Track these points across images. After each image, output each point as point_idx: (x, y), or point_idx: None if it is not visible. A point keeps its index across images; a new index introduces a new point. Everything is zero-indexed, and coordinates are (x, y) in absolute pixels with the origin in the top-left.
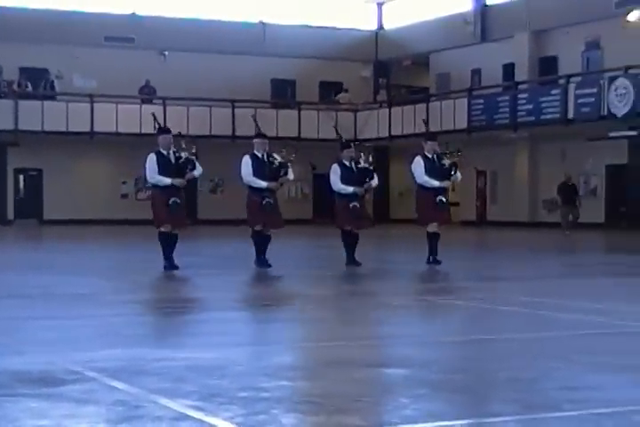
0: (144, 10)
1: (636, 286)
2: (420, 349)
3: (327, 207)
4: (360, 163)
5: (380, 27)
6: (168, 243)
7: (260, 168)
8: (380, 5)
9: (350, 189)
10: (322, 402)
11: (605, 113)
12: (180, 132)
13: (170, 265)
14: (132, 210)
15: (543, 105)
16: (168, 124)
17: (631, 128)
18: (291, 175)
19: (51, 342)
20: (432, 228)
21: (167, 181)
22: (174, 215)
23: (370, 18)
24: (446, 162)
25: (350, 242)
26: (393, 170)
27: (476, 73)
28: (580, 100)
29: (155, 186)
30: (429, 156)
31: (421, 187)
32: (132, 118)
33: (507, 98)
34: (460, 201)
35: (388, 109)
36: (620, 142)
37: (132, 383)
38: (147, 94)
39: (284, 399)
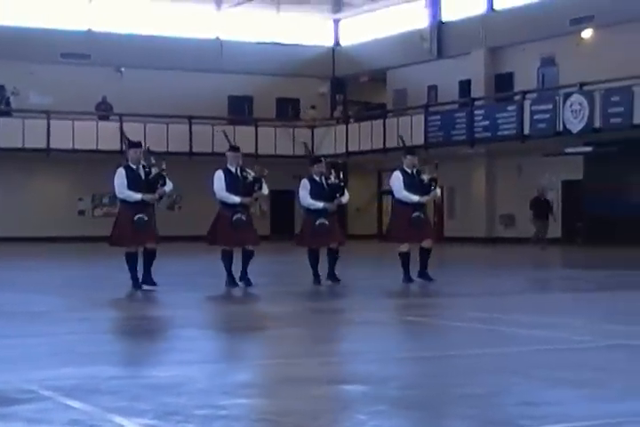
0: (100, 26)
1: (592, 301)
2: (379, 365)
3: (286, 224)
4: (330, 178)
5: (337, 43)
6: (135, 263)
7: (233, 183)
8: (336, 22)
9: (320, 204)
10: (279, 420)
11: (561, 129)
12: (149, 148)
13: (135, 284)
14: (89, 227)
15: (499, 121)
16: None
17: (586, 144)
18: (265, 190)
19: (5, 361)
20: (404, 247)
21: (137, 196)
22: (139, 232)
23: (327, 34)
24: (425, 177)
25: (316, 261)
26: (350, 186)
27: (433, 89)
28: (535, 117)
29: (123, 201)
30: (409, 170)
31: (399, 202)
32: (88, 135)
33: (463, 114)
34: None
35: (345, 126)
36: (575, 158)
37: (87, 402)
38: (103, 111)
39: (241, 417)
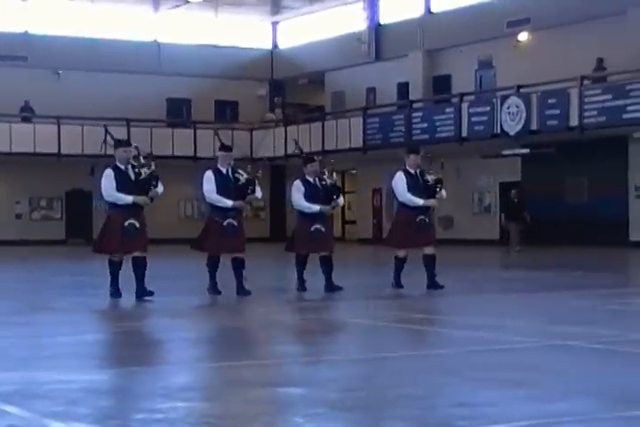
0: (37, 29)
1: (531, 302)
2: (317, 367)
3: None
4: (324, 179)
5: (276, 46)
6: (117, 270)
7: (224, 185)
8: (274, 24)
9: (317, 207)
10: (217, 423)
11: (498, 131)
12: (136, 147)
13: (114, 292)
14: (27, 230)
15: (437, 123)
16: (63, 144)
17: (523, 146)
18: (258, 193)
19: None
20: (401, 253)
21: (128, 199)
22: (128, 240)
23: (265, 37)
24: (430, 178)
25: (304, 266)
26: (289, 188)
27: (371, 91)
28: (473, 119)
29: (112, 205)
30: (412, 171)
31: (403, 205)
32: (25, 138)
33: (401, 116)
34: (357, 219)
35: (283, 128)
36: (513, 160)
37: (24, 407)
38: (26, 114)
39: (179, 421)
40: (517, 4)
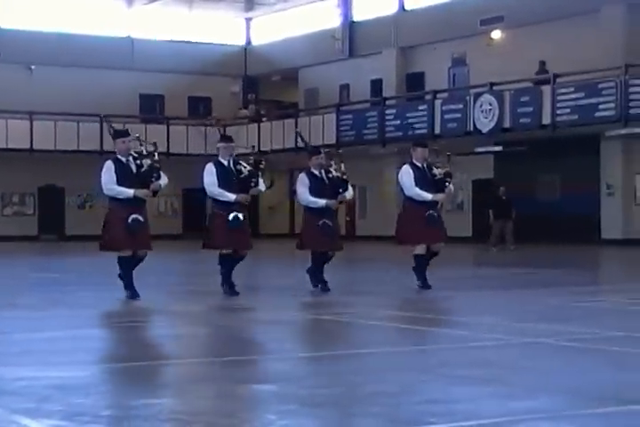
0: (10, 23)
1: (504, 300)
2: (289, 364)
3: (197, 222)
4: (331, 172)
5: (249, 42)
6: (129, 269)
7: (226, 178)
8: (248, 21)
9: (322, 201)
10: (189, 419)
11: (471, 129)
12: (138, 136)
13: (132, 294)
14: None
15: (411, 120)
16: (35, 139)
17: (496, 144)
18: (262, 186)
19: None
20: (420, 249)
21: (129, 192)
22: (134, 236)
23: (239, 33)
24: (438, 171)
25: (320, 263)
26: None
27: (345, 88)
28: (446, 116)
29: (113, 199)
30: (419, 164)
31: (411, 200)
32: None
33: (375, 113)
34: None
35: (257, 124)
36: (486, 157)
37: None
38: None
39: (150, 417)
40: (491, 1)
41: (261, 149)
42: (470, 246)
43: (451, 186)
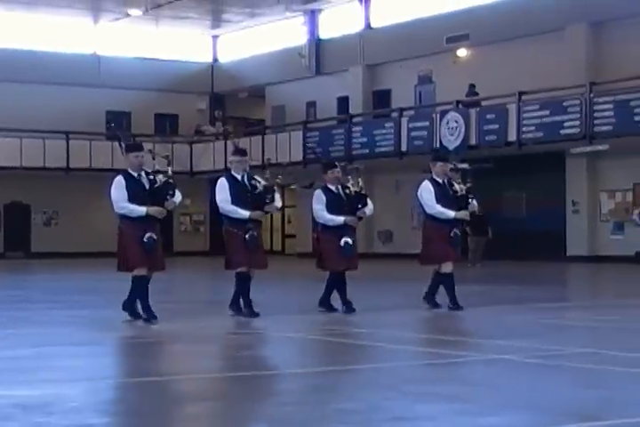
0: None
1: (468, 317)
2: (255, 382)
3: (163, 239)
4: (348, 187)
5: (216, 59)
6: (145, 288)
7: (240, 194)
8: (215, 38)
9: (341, 219)
10: None
11: (438, 146)
12: (150, 150)
13: (149, 315)
14: None
15: (377, 138)
16: (0, 156)
17: (462, 161)
18: (278, 202)
19: None
20: (447, 267)
21: (141, 210)
22: (150, 255)
23: (205, 50)
24: (459, 187)
25: (340, 285)
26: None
27: (311, 106)
28: (413, 134)
29: (125, 217)
30: (440, 180)
31: (433, 218)
32: None
33: (341, 131)
34: (297, 233)
35: (223, 142)
36: (451, 175)
37: None
38: None
39: None
40: (457, 19)
41: (228, 166)
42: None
43: (474, 202)
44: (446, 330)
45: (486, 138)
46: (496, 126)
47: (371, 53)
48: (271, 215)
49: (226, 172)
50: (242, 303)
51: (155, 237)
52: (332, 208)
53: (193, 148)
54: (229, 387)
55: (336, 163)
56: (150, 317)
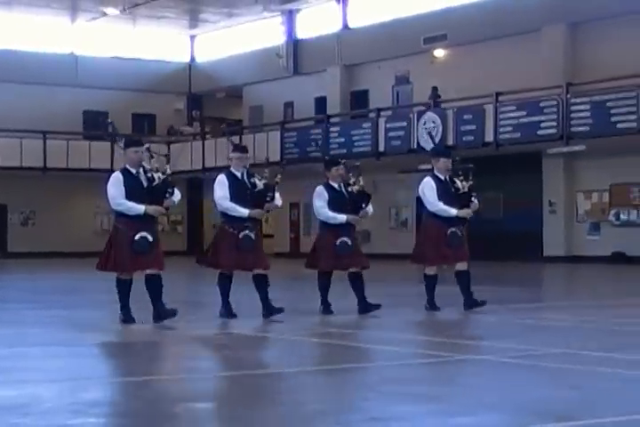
0: None
1: (444, 317)
2: (232, 382)
3: None
4: (351, 184)
5: (193, 59)
6: (126, 292)
7: (239, 191)
8: (192, 38)
9: (343, 217)
10: None
11: (415, 146)
12: (148, 147)
13: (126, 316)
14: None
15: (355, 138)
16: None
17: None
18: (278, 201)
19: None
20: (431, 270)
21: (140, 208)
22: (139, 256)
23: (183, 50)
24: (462, 184)
25: (328, 286)
26: (207, 202)
27: (289, 106)
28: (390, 134)
29: (121, 215)
30: (442, 177)
31: (433, 216)
32: None
33: (319, 131)
34: (274, 233)
35: (201, 141)
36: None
37: None
38: None
39: None
40: (434, 20)
41: (206, 166)
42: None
43: (476, 200)
44: (424, 331)
45: (463, 138)
46: (473, 127)
47: (348, 54)
48: None
49: (225, 169)
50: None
51: (149, 237)
52: (333, 206)
53: (171, 148)
54: (206, 388)
55: (339, 160)
56: (129, 319)
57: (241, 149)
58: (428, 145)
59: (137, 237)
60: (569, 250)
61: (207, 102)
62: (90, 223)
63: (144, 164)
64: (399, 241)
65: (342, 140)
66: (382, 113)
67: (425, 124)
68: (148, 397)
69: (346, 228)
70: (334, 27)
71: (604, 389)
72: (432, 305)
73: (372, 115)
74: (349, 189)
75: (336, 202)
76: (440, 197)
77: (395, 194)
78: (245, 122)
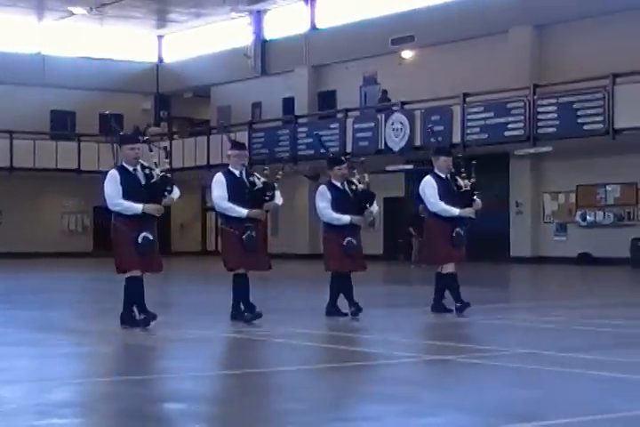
0: None
1: (412, 318)
2: (201, 382)
3: (108, 240)
4: (354, 183)
5: (161, 59)
6: (140, 291)
7: (238, 190)
8: (160, 38)
9: (347, 218)
10: None
11: (382, 147)
12: (146, 139)
13: (148, 316)
14: None
15: (322, 139)
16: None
17: (407, 162)
18: (278, 199)
19: None
20: (449, 268)
21: (137, 207)
22: (144, 256)
23: (151, 50)
24: (464, 183)
25: (345, 287)
26: (174, 203)
27: (257, 106)
28: (357, 135)
29: (119, 215)
30: (443, 175)
31: (435, 216)
32: None
33: (287, 131)
34: None
35: (169, 142)
36: (397, 176)
37: None
38: None
39: None
40: (402, 21)
41: (173, 166)
42: (381, 264)
43: (478, 200)
44: (389, 331)
45: (431, 139)
46: (440, 128)
47: (316, 54)
48: (215, 215)
49: (223, 167)
50: (242, 306)
51: (150, 237)
52: (337, 206)
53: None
54: (173, 388)
55: (343, 158)
56: (150, 317)
57: (240, 146)
58: (396, 146)
59: (140, 238)
60: (536, 251)
61: (175, 102)
62: (57, 223)
63: (141, 160)
64: (366, 242)
65: (310, 140)
66: (350, 114)
67: (393, 124)
68: (115, 397)
69: (350, 229)
70: (302, 27)
71: (569, 389)
72: (462, 304)
73: (340, 115)
74: (353, 187)
75: (340, 201)
76: (441, 197)
77: None
78: (213, 122)
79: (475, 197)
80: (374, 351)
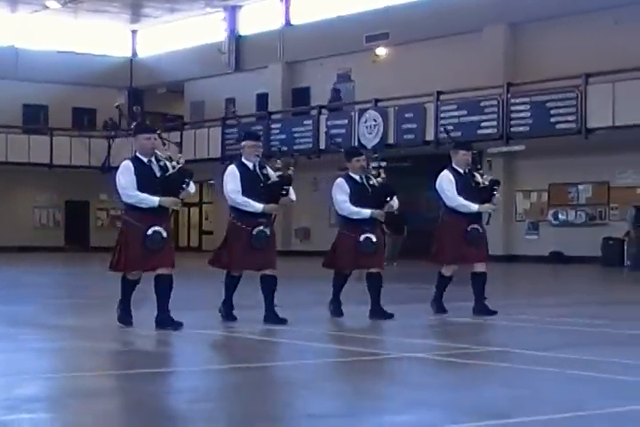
0: None
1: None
2: (167, 379)
3: (79, 235)
4: (371, 178)
5: (135, 54)
6: (130, 293)
7: (251, 184)
8: (134, 32)
9: (367, 211)
10: None
11: (356, 144)
12: (160, 134)
13: (125, 315)
14: None
15: (296, 135)
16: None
17: (380, 159)
18: (293, 195)
19: None
20: (448, 270)
21: (154, 200)
22: (151, 254)
23: (125, 45)
24: (482, 178)
25: (343, 284)
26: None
27: (231, 102)
28: (331, 132)
29: (132, 207)
30: (461, 170)
31: (452, 212)
32: None
33: (260, 128)
34: (214, 229)
35: None
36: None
37: None
38: None
39: None
40: (376, 18)
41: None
42: None
43: (497, 195)
44: (361, 328)
45: (404, 137)
46: (414, 125)
47: (290, 51)
48: (188, 211)
49: (235, 159)
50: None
51: (163, 232)
52: (355, 200)
53: (111, 143)
54: (139, 384)
55: (361, 151)
56: (127, 322)
57: (254, 136)
58: (370, 143)
59: (150, 231)
60: (507, 249)
61: (148, 97)
62: (29, 218)
63: (157, 151)
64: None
65: (283, 136)
66: (323, 110)
67: (366, 122)
68: (83, 392)
69: (370, 223)
70: (276, 23)
71: (539, 387)
72: (440, 307)
73: (314, 112)
74: (371, 181)
75: (358, 195)
76: (459, 192)
77: None
78: (186, 117)
79: (495, 193)
80: (343, 348)
